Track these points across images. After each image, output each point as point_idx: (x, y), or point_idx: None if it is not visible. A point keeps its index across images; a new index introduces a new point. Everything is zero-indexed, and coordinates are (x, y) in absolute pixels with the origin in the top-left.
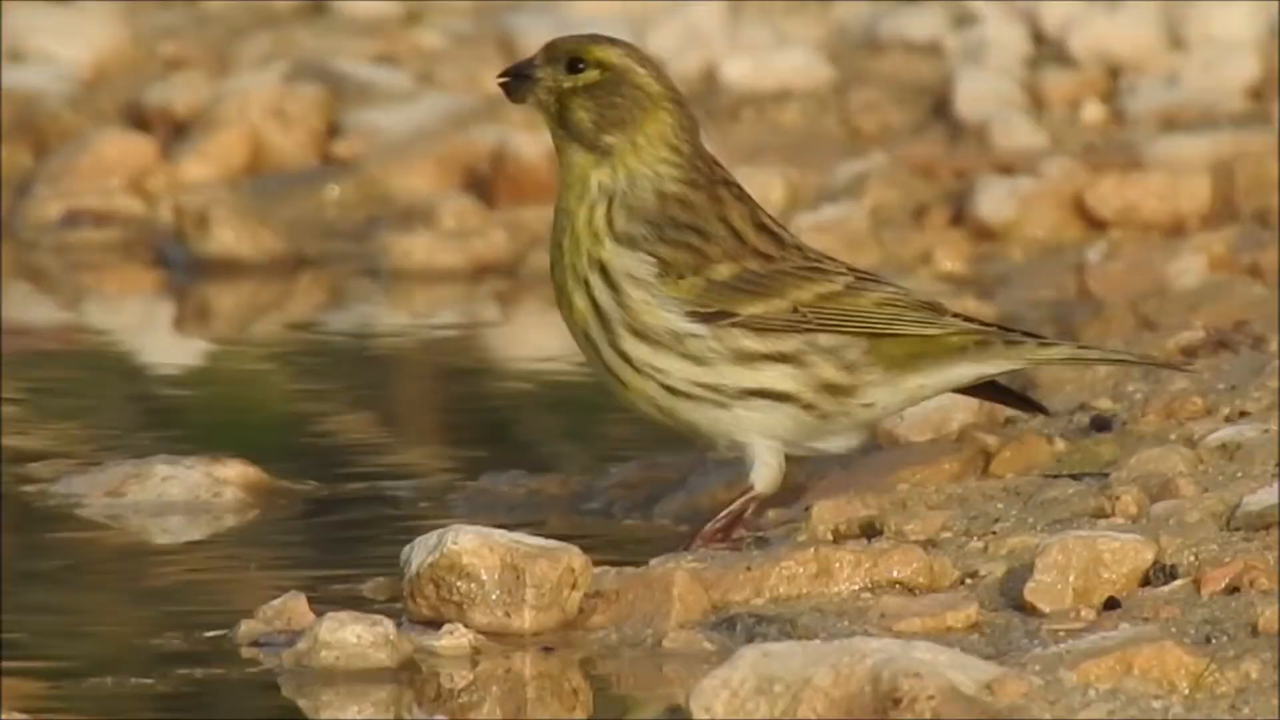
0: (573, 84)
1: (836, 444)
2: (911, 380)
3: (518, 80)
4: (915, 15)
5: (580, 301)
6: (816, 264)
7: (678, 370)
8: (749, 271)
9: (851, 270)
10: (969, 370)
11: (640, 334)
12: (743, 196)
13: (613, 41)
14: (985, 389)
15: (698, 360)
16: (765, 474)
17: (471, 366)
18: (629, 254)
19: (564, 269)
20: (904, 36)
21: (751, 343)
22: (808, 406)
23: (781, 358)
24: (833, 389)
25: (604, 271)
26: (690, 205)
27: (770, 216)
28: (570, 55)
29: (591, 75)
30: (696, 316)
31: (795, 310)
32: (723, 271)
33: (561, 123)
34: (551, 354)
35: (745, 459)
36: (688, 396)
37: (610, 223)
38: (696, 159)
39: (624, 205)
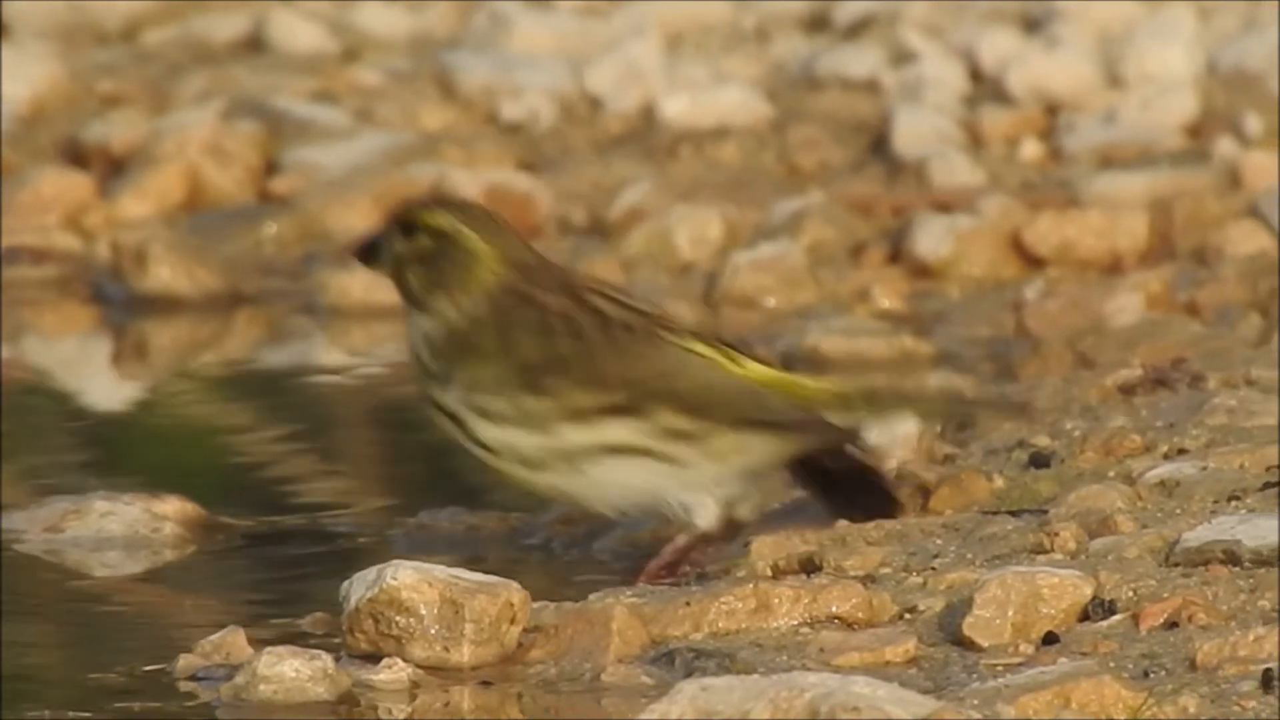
0: (407, 250)
1: (708, 503)
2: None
3: (371, 249)
4: (853, 53)
5: (430, 412)
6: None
7: (525, 441)
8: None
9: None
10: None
11: (486, 415)
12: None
13: (452, 205)
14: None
15: (538, 427)
16: (704, 513)
17: (409, 403)
18: (446, 390)
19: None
20: (842, 74)
21: (584, 398)
22: (661, 457)
23: (617, 410)
24: (680, 435)
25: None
26: (480, 320)
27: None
28: (405, 222)
29: (423, 242)
30: (524, 389)
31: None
32: (530, 354)
33: (398, 286)
34: None
35: (684, 508)
36: (544, 467)
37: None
38: (513, 288)
39: (430, 344)
